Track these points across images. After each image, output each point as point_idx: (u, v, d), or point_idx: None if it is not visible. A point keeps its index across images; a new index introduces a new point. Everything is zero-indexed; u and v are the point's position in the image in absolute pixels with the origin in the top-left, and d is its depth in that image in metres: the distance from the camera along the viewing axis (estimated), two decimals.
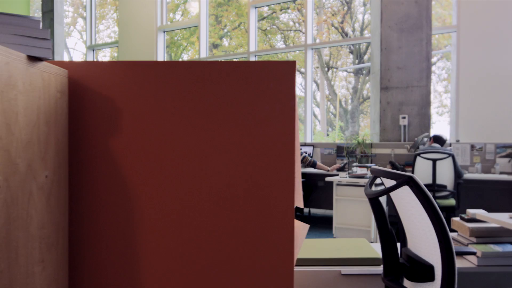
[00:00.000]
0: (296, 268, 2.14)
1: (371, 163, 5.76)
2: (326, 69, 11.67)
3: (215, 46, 11.42)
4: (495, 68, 5.38)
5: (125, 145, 0.91)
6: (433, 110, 10.63)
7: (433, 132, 5.76)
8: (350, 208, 4.45)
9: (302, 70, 8.30)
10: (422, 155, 4.60)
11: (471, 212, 2.32)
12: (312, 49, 6.96)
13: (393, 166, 5.22)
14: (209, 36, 11.00)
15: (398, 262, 1.59)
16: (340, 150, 6.03)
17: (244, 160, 0.91)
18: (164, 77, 0.90)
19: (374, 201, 1.58)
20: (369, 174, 4.56)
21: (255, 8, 7.50)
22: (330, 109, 11.70)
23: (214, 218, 0.91)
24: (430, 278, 1.45)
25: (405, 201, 1.52)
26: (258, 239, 0.91)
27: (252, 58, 7.43)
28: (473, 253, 1.77)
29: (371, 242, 4.29)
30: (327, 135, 10.87)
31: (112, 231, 0.91)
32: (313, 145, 6.33)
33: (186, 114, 0.90)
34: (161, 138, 0.91)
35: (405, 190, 1.43)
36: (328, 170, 5.50)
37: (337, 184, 4.56)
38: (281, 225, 0.90)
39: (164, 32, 8.45)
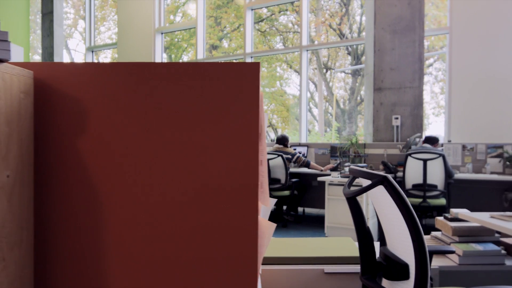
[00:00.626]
0: (280, 267, 2.15)
1: (364, 163, 5.76)
2: (325, 70, 11.67)
3: (214, 47, 11.42)
4: (487, 70, 5.38)
5: (91, 145, 0.91)
6: (430, 111, 10.63)
7: (427, 132, 5.77)
8: (342, 207, 4.45)
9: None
10: (413, 155, 4.60)
11: (454, 211, 2.33)
12: (307, 50, 6.96)
13: (385, 166, 5.21)
14: (208, 37, 11.02)
15: (375, 261, 1.59)
16: (334, 150, 6.04)
17: (208, 160, 0.91)
18: (129, 78, 0.90)
19: (351, 200, 1.58)
20: None
21: (251, 10, 7.50)
22: (328, 110, 11.71)
23: (179, 218, 0.92)
24: (405, 276, 1.46)
25: (382, 201, 1.52)
26: (222, 237, 0.91)
27: (248, 59, 7.44)
28: (452, 252, 1.76)
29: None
30: (324, 135, 10.87)
31: (78, 231, 0.92)
32: (307, 145, 6.33)
33: (151, 115, 0.91)
34: (127, 139, 0.91)
35: (381, 190, 1.44)
36: (321, 170, 5.50)
37: (329, 184, 4.57)
38: (244, 224, 0.91)
39: (162, 33, 8.45)
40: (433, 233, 2.48)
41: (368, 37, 6.00)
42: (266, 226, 1.02)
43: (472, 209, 4.35)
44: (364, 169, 1.51)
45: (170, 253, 0.91)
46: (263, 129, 1.08)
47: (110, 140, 0.91)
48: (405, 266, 1.45)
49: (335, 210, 4.49)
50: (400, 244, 1.49)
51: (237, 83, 0.90)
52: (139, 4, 8.34)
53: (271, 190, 5.39)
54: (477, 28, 5.45)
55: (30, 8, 9.68)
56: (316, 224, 5.46)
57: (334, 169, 5.48)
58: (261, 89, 1.01)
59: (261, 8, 8.28)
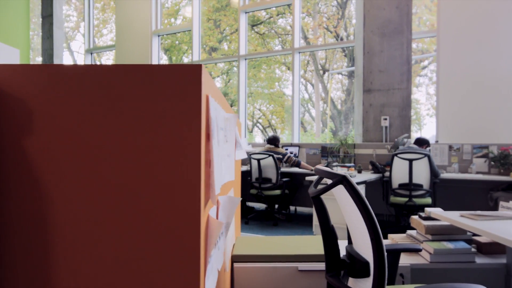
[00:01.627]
0: (255, 264, 2.15)
1: (353, 163, 5.77)
2: (322, 72, 11.69)
3: (214, 49, 11.43)
4: (473, 71, 5.38)
5: (37, 147, 0.91)
6: (425, 111, 10.63)
7: (423, 132, 5.75)
8: (329, 206, 4.44)
9: (300, 72, 8.26)
10: (399, 155, 4.60)
11: (428, 210, 2.33)
12: (299, 52, 6.96)
13: (374, 166, 5.22)
14: (208, 40, 11.02)
15: (339, 259, 1.60)
16: (324, 151, 6.04)
17: (149, 161, 0.91)
18: (73, 80, 0.91)
19: (316, 199, 1.59)
20: (347, 173, 4.55)
21: (245, 13, 7.50)
22: (326, 111, 11.75)
23: (122, 218, 0.92)
24: (366, 274, 1.46)
25: (344, 201, 1.53)
26: (163, 237, 0.91)
27: (243, 62, 7.44)
28: (419, 250, 1.77)
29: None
30: (319, 136, 10.89)
31: (24, 232, 0.92)
32: (299, 146, 6.34)
33: (95, 116, 0.91)
34: (72, 140, 0.91)
35: (343, 190, 1.44)
36: (312, 170, 5.50)
37: None
38: (186, 223, 0.91)
39: (158, 36, 8.46)
40: (409, 231, 2.48)
41: (358, 39, 6.00)
42: (213, 224, 1.02)
43: (458, 208, 4.36)
44: (327, 169, 1.52)
45: (112, 252, 0.92)
46: (214, 130, 1.09)
47: (56, 141, 0.91)
48: (366, 264, 1.46)
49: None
50: (362, 242, 1.49)
51: (178, 85, 0.91)
52: (137, 7, 8.35)
53: (262, 189, 5.39)
54: (464, 30, 5.44)
55: (34, 11, 9.70)
56: (306, 223, 5.46)
57: None
58: (206, 93, 1.01)
59: (255, 11, 8.27)
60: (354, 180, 4.38)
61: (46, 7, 8.99)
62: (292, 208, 6.32)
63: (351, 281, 1.61)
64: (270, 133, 11.96)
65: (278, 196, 5.43)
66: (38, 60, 9.95)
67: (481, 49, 5.34)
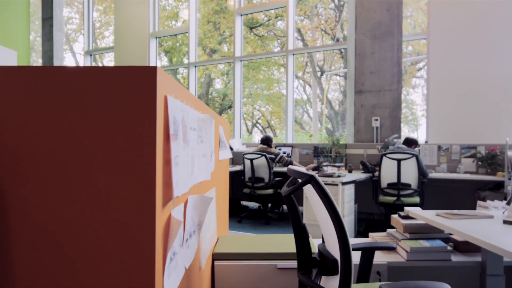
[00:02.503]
0: (235, 262, 2.16)
1: (345, 163, 5.77)
2: (320, 73, 11.72)
3: (214, 51, 11.45)
4: (463, 74, 5.37)
5: None
6: (420, 112, 10.62)
7: (418, 133, 5.74)
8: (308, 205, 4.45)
9: (299, 74, 8.25)
10: (388, 155, 4.60)
11: (406, 209, 2.33)
12: (293, 54, 6.96)
13: (364, 165, 5.22)
14: (208, 42, 11.04)
15: (310, 257, 1.60)
16: (316, 151, 6.04)
17: (103, 162, 0.92)
18: (28, 81, 0.92)
19: (287, 199, 1.59)
20: (337, 173, 4.56)
21: (241, 15, 7.51)
22: (324, 112, 11.78)
23: (78, 218, 0.93)
24: (335, 271, 1.47)
25: (314, 200, 1.53)
26: (118, 236, 0.92)
27: (238, 63, 7.45)
28: (392, 248, 1.77)
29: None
30: (314, 136, 10.89)
31: None
32: (292, 146, 6.34)
33: (46, 117, 0.92)
34: (25, 141, 0.92)
35: (312, 189, 1.45)
36: None
37: None
38: (140, 222, 0.92)
39: (156, 38, 8.47)
40: (389, 230, 2.48)
41: (350, 41, 6.00)
42: (173, 222, 1.03)
43: (446, 207, 4.34)
44: (298, 169, 1.53)
45: (64, 252, 0.92)
46: (179, 130, 1.09)
47: (10, 142, 0.92)
48: (335, 262, 1.46)
49: (312, 207, 4.48)
50: (331, 241, 1.50)
51: (132, 87, 0.91)
52: (135, 10, 8.36)
53: (255, 188, 5.40)
54: (454, 33, 5.44)
55: (36, 14, 9.72)
56: None
57: (315, 168, 5.48)
58: (165, 93, 1.02)
59: (250, 13, 8.27)
60: (343, 180, 4.36)
61: (46, 10, 9.00)
62: (285, 207, 6.32)
63: (323, 279, 1.61)
64: (270, 133, 12.00)
65: (270, 195, 5.44)
66: (39, 62, 9.97)
67: (471, 51, 5.34)
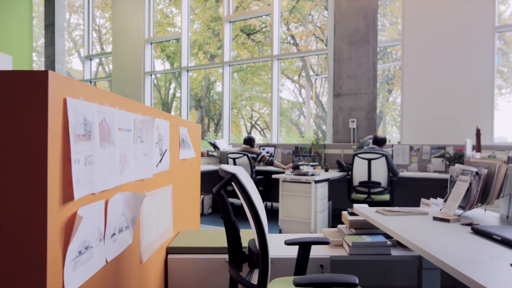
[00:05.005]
0: (188, 256, 2.16)
1: (324, 162, 5.77)
2: (315, 77, 11.76)
3: (213, 56, 11.49)
4: (434, 78, 5.36)
5: None
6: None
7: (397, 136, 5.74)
8: (294, 202, 4.46)
9: (294, 78, 8.18)
10: (359, 155, 4.61)
11: (355, 206, 2.34)
12: (278, 59, 6.96)
13: (339, 165, 5.22)
14: (208, 47, 11.10)
15: (240, 251, 1.61)
16: (297, 151, 6.04)
17: None
18: None
19: (218, 195, 1.60)
20: (311, 172, 4.56)
21: (230, 22, 7.51)
22: (319, 114, 11.83)
23: None
24: (257, 265, 1.47)
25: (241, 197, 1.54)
26: (9, 237, 0.93)
27: (227, 68, 7.45)
28: (327, 243, 1.78)
29: (311, 233, 4.29)
30: (303, 137, 10.88)
31: None
32: (274, 146, 6.35)
33: None
34: None
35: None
36: (284, 168, 5.51)
37: (283, 181, 4.57)
38: (31, 219, 0.92)
39: (151, 44, 8.49)
40: (339, 226, 2.49)
41: (330, 47, 6.00)
42: (77, 219, 1.04)
43: (416, 204, 4.34)
44: (225, 168, 1.53)
45: None
46: (94, 130, 1.10)
47: None
48: (257, 256, 1.46)
49: (288, 204, 4.49)
50: (255, 235, 1.50)
51: (24, 90, 0.92)
52: (131, 16, 8.38)
53: None
54: (426, 39, 5.43)
55: (42, 21, 9.76)
56: (275, 217, 5.45)
57: (294, 167, 5.48)
58: (64, 96, 1.02)
59: (237, 21, 8.28)
60: (316, 178, 4.33)
61: (49, 17, 9.04)
62: (269, 204, 6.33)
63: (254, 273, 1.62)
64: (268, 134, 12.02)
65: None
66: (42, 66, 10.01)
67: (442, 57, 5.33)
